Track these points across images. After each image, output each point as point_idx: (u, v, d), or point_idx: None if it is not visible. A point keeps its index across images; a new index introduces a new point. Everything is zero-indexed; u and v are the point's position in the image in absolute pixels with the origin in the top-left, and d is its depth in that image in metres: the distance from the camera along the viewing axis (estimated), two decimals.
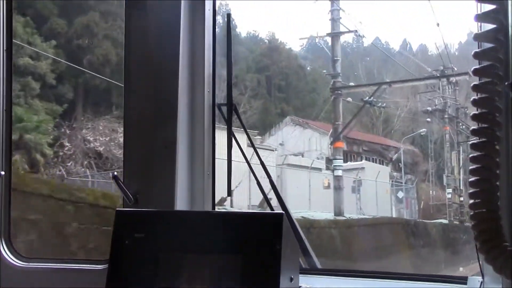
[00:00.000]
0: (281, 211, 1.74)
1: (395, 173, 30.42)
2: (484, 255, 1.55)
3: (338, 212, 19.12)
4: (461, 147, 30.66)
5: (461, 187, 29.91)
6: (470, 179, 1.57)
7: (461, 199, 29.51)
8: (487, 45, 1.60)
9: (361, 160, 29.01)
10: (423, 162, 32.33)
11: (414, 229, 22.46)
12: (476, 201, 1.56)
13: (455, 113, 30.51)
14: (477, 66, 1.61)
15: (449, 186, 28.61)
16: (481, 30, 1.71)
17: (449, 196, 28.42)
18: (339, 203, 19.60)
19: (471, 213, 1.56)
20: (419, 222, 24.97)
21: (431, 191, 30.60)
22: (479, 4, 1.68)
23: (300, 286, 1.84)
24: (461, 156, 30.55)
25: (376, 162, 30.97)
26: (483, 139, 1.56)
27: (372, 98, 23.61)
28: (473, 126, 1.59)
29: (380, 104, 25.48)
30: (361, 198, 25.16)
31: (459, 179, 29.93)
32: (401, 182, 29.52)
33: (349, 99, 24.51)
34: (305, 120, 29.91)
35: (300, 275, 1.85)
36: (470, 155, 1.58)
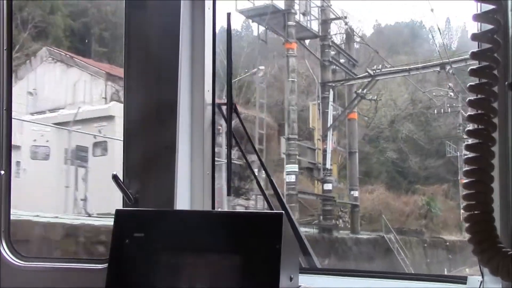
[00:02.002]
0: (281, 211, 1.74)
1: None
2: (478, 256, 1.55)
3: None
4: (330, 93, 17.03)
5: (329, 166, 16.56)
6: (465, 181, 1.57)
7: (328, 187, 16.59)
8: (486, 45, 1.60)
9: None
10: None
11: None
12: (471, 203, 1.55)
13: (321, 30, 17.32)
14: (474, 67, 1.61)
15: (292, 160, 15.31)
16: (480, 30, 1.71)
17: (291, 179, 15.21)
18: None
19: (465, 215, 1.56)
20: None
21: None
22: (478, 3, 1.69)
23: (300, 286, 1.84)
24: (330, 111, 16.82)
25: None
26: (479, 140, 1.57)
27: None
28: None
29: None
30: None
31: (324, 150, 16.76)
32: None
33: None
34: (70, 53, 18.42)
35: (299, 274, 1.86)
36: (465, 157, 1.58)
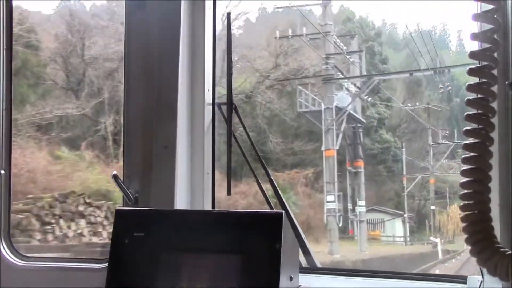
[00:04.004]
0: (281, 211, 1.74)
1: None
2: (475, 257, 1.55)
3: None
4: None
5: None
6: (462, 181, 1.57)
7: None
8: (485, 45, 1.61)
9: None
10: None
11: None
12: (468, 202, 1.55)
13: None
14: (473, 66, 1.61)
15: None
16: (480, 29, 1.71)
17: None
18: None
19: (462, 215, 1.56)
20: None
21: None
22: (478, 3, 1.69)
23: (300, 286, 1.84)
24: None
25: None
26: (476, 140, 1.57)
27: None
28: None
29: None
30: None
31: None
32: None
33: None
34: None
35: (299, 274, 1.86)
36: (462, 156, 1.58)
